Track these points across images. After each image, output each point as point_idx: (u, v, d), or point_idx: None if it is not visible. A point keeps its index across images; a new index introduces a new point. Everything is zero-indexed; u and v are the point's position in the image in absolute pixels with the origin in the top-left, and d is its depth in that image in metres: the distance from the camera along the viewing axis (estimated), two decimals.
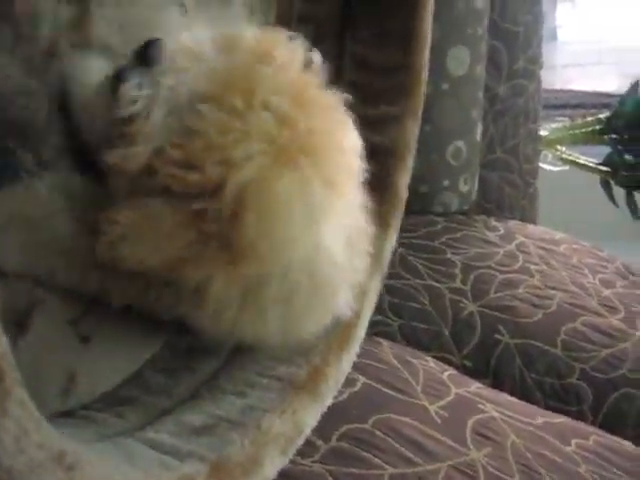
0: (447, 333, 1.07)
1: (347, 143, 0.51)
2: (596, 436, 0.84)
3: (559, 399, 1.00)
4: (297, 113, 0.45)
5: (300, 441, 0.66)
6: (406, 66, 0.90)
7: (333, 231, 0.49)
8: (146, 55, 0.44)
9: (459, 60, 1.32)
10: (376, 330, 1.03)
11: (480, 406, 0.81)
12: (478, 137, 1.41)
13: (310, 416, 0.68)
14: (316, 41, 0.96)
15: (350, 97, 0.93)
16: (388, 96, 0.90)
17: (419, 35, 0.89)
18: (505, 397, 0.89)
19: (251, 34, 0.48)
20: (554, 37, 2.62)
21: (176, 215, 0.44)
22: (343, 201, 0.49)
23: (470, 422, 0.77)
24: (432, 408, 0.77)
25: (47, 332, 0.62)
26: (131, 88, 0.43)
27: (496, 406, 0.82)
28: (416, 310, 1.09)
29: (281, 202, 0.43)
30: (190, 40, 0.47)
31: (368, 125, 0.90)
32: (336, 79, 0.96)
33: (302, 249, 0.47)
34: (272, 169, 0.43)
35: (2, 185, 0.55)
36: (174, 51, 0.45)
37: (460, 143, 1.36)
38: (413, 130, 0.89)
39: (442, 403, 0.79)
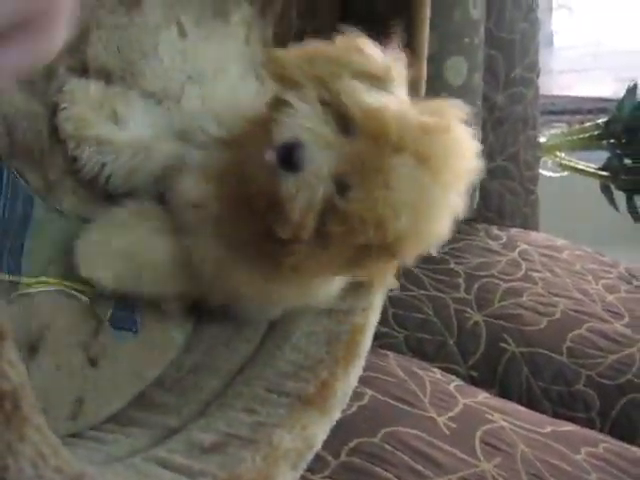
0: (452, 343, 1.07)
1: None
2: (606, 443, 0.84)
3: (567, 406, 1.00)
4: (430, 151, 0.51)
5: (310, 456, 0.66)
6: None
7: None
8: (293, 160, 0.49)
9: (457, 70, 1.33)
10: (381, 342, 1.03)
11: (488, 416, 0.81)
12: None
13: (320, 430, 0.67)
14: None
15: None
16: None
17: (416, 48, 0.89)
18: (513, 406, 0.89)
19: (356, 107, 0.51)
20: (550, 43, 2.62)
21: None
22: None
23: (479, 433, 0.77)
24: (440, 420, 0.77)
25: (58, 355, 0.62)
26: (290, 194, 0.49)
27: (504, 415, 0.82)
28: (421, 321, 1.09)
29: (433, 223, 0.53)
30: (321, 130, 0.50)
31: None
32: None
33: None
34: (420, 213, 0.51)
35: None
36: (311, 146, 0.49)
37: None
38: None
39: (450, 414, 0.79)
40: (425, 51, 0.91)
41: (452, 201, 0.54)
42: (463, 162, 0.55)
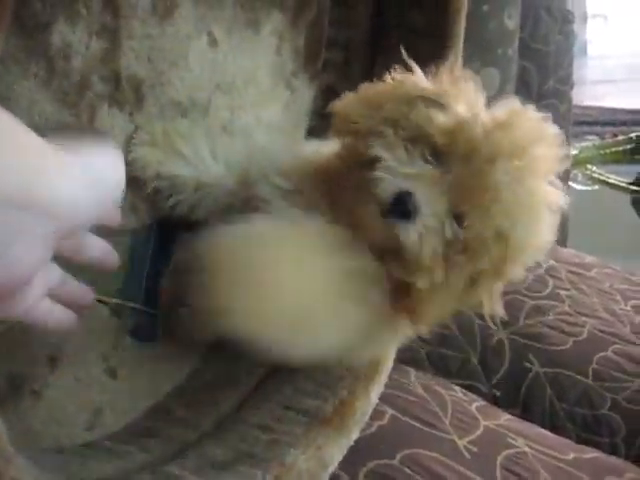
0: (476, 361, 1.05)
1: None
2: (631, 473, 0.82)
3: (591, 431, 0.97)
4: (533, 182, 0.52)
5: (325, 476, 0.65)
6: None
7: None
8: (408, 210, 0.48)
9: (489, 81, 1.31)
10: (403, 357, 1.01)
11: (510, 440, 0.79)
12: None
13: (336, 451, 0.67)
14: (346, 65, 0.97)
15: None
16: None
17: (449, 60, 0.88)
18: (536, 430, 0.87)
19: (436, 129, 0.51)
20: (584, 52, 2.59)
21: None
22: None
23: (500, 457, 0.75)
24: (461, 443, 0.76)
25: (77, 366, 0.62)
26: (415, 243, 0.49)
27: (526, 440, 0.81)
28: (444, 337, 1.08)
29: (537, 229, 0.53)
30: (422, 170, 0.50)
31: None
32: None
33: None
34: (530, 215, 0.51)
35: None
36: (420, 192, 0.49)
37: None
38: None
39: (471, 437, 0.77)
40: (459, 62, 0.90)
41: (550, 192, 0.54)
42: (547, 147, 0.54)
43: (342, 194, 0.54)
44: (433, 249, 0.50)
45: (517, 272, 0.55)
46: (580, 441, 0.92)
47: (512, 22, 1.33)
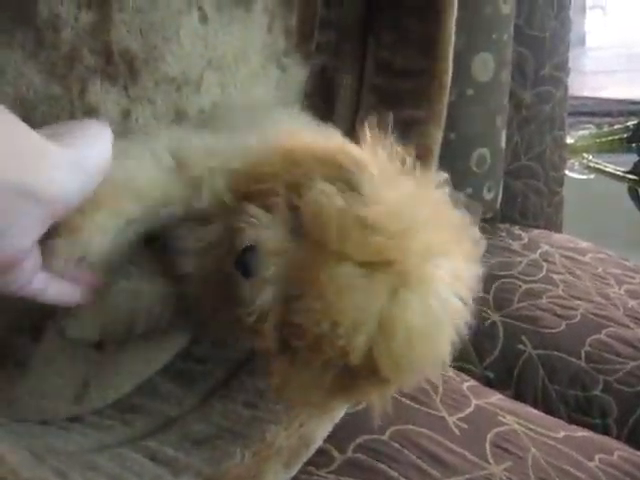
0: (469, 342, 1.05)
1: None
2: (621, 451, 0.82)
3: (583, 412, 0.98)
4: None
5: (307, 455, 0.65)
6: (428, 71, 0.89)
7: None
8: (248, 267, 0.46)
9: (484, 66, 1.30)
10: None
11: (500, 418, 0.79)
12: (503, 144, 1.40)
13: (319, 428, 0.66)
14: (338, 45, 0.97)
15: (372, 101, 0.94)
16: (410, 100, 0.89)
17: (441, 40, 0.88)
18: (527, 409, 0.87)
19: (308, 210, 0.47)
20: (583, 43, 2.59)
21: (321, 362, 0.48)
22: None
23: (490, 435, 0.75)
24: (451, 420, 0.76)
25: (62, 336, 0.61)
26: (248, 301, 0.47)
27: (517, 418, 0.81)
28: None
29: (411, 332, 0.45)
30: (276, 233, 0.47)
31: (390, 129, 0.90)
32: (359, 83, 0.97)
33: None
34: (381, 326, 0.45)
35: None
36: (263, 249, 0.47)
37: (484, 150, 1.34)
38: (436, 136, 0.88)
39: (461, 415, 0.78)
40: (451, 45, 0.90)
41: (440, 318, 0.48)
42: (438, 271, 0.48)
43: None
44: (260, 312, 0.47)
45: (405, 380, 0.51)
46: (572, 422, 0.92)
47: (507, 7, 1.32)
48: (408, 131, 0.87)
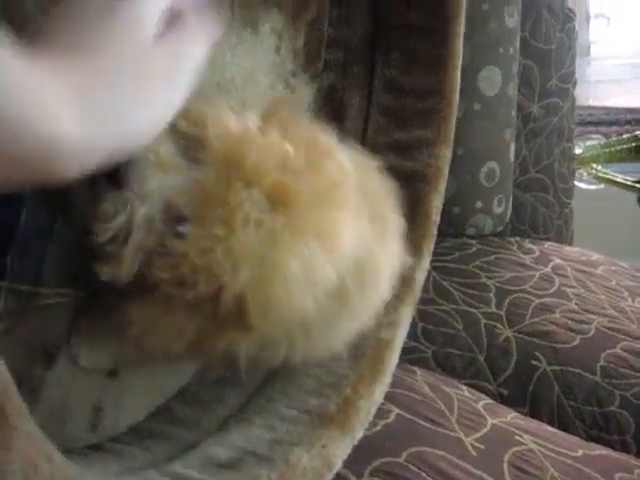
0: (482, 360, 1.04)
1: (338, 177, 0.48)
2: None
3: (600, 428, 0.97)
4: (279, 210, 0.44)
5: (330, 476, 0.64)
6: (437, 90, 0.89)
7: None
8: (118, 177, 0.42)
9: (491, 80, 1.30)
10: (409, 357, 1.01)
11: (517, 438, 0.78)
12: (512, 157, 1.39)
13: (340, 450, 0.66)
14: (346, 65, 0.97)
15: (381, 121, 0.94)
16: (419, 120, 0.89)
17: (450, 58, 0.88)
18: (543, 427, 0.86)
19: (216, 134, 0.44)
20: (587, 53, 2.58)
21: (186, 304, 0.44)
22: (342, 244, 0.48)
23: (507, 455, 0.74)
24: (468, 440, 0.75)
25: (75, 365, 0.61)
26: (107, 215, 0.42)
27: (534, 437, 0.80)
28: (450, 336, 1.07)
29: (280, 287, 0.44)
30: (157, 149, 0.43)
31: (399, 150, 0.89)
32: (367, 103, 0.97)
33: (305, 310, 0.47)
34: (263, 270, 0.43)
35: None
36: (144, 164, 0.43)
37: (493, 164, 1.34)
38: (446, 155, 0.88)
39: (478, 435, 0.77)
40: (459, 63, 0.90)
41: (316, 267, 0.45)
42: (335, 213, 0.46)
43: None
44: (127, 233, 0.43)
45: (268, 329, 0.48)
46: (589, 439, 0.91)
47: (513, 21, 1.32)
48: (418, 152, 0.87)
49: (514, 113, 1.38)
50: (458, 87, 0.90)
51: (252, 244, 0.42)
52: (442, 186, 0.91)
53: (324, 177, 0.46)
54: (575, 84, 1.55)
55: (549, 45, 1.48)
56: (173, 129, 0.44)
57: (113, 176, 0.41)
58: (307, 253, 0.44)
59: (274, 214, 0.43)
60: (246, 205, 0.42)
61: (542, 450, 0.77)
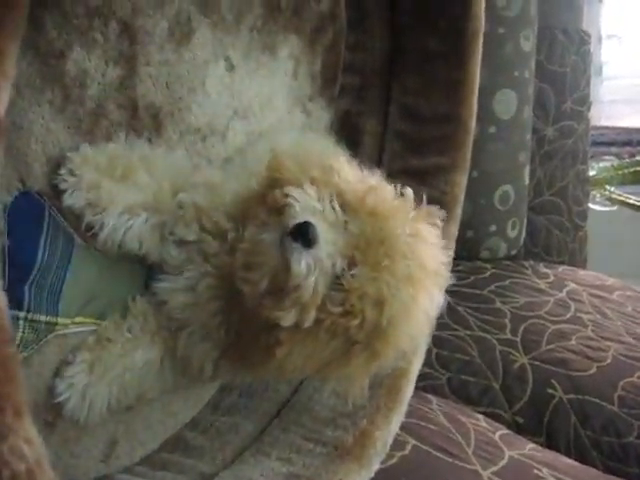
0: (497, 387, 1.03)
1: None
2: None
3: (618, 460, 0.95)
4: (424, 253, 0.53)
5: None
6: (454, 116, 0.88)
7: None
8: (308, 237, 0.50)
9: (506, 103, 1.30)
10: (423, 384, 1.00)
11: (536, 472, 0.77)
12: (526, 180, 1.39)
13: None
14: (362, 90, 0.96)
15: (396, 147, 0.93)
16: (436, 147, 0.88)
17: (467, 84, 0.87)
18: (562, 460, 0.84)
19: (370, 196, 0.53)
20: (599, 73, 2.58)
21: (329, 330, 0.52)
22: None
23: None
24: (485, 474, 0.74)
25: None
26: (304, 271, 0.50)
27: (553, 471, 0.78)
28: (465, 362, 1.06)
29: (414, 317, 0.53)
30: (329, 213, 0.52)
31: (415, 176, 0.89)
32: (382, 128, 0.96)
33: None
34: (411, 298, 0.52)
35: None
36: (322, 228, 0.51)
37: (508, 187, 1.33)
38: (462, 182, 0.87)
39: (495, 468, 0.75)
40: (476, 89, 0.89)
41: (429, 299, 0.54)
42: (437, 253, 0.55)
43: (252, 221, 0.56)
44: (316, 285, 0.51)
45: (388, 359, 0.55)
46: (607, 470, 0.89)
47: (528, 44, 1.32)
48: (434, 179, 0.86)
49: (529, 136, 1.37)
50: (475, 112, 0.89)
51: (408, 271, 0.51)
52: (458, 212, 0.90)
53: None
54: (590, 107, 1.55)
55: (564, 68, 1.47)
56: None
57: (301, 238, 0.50)
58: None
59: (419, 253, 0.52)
60: (400, 242, 0.51)
61: None
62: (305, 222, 0.50)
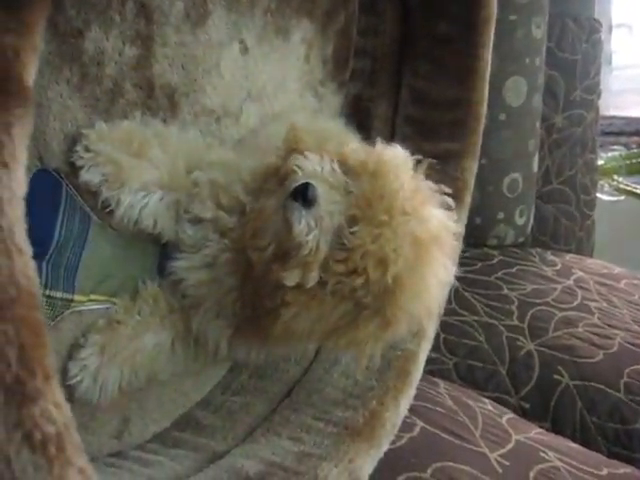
0: (504, 372, 1.03)
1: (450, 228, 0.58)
2: None
3: (623, 446, 0.95)
4: (425, 210, 0.54)
5: None
6: (465, 101, 0.88)
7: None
8: (307, 198, 0.51)
9: (516, 91, 1.30)
10: (430, 368, 1.00)
11: (542, 454, 0.78)
12: (535, 168, 1.38)
13: (367, 464, 0.65)
14: (373, 74, 0.97)
15: (407, 132, 0.93)
16: (446, 132, 0.88)
17: (478, 69, 0.87)
18: (567, 444, 0.85)
19: (371, 159, 0.54)
20: (609, 62, 2.56)
21: (337, 293, 0.53)
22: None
23: (532, 472, 0.74)
24: (492, 456, 0.75)
25: None
26: (304, 230, 0.51)
27: (559, 454, 0.79)
28: (472, 348, 1.06)
29: (423, 280, 0.53)
30: (330, 175, 0.54)
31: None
32: (393, 113, 0.96)
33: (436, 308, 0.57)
34: (416, 258, 0.52)
35: None
36: (322, 189, 0.52)
37: (516, 175, 1.33)
38: (472, 168, 0.87)
39: (503, 451, 0.76)
40: (487, 75, 0.89)
41: (442, 265, 0.55)
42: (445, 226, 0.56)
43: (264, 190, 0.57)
44: (318, 242, 0.52)
45: (401, 325, 0.55)
46: (612, 456, 0.90)
47: (539, 31, 1.32)
48: (444, 164, 0.86)
49: (538, 124, 1.37)
50: (486, 98, 0.89)
51: (409, 227, 0.51)
52: (468, 199, 0.91)
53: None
54: (599, 95, 1.54)
55: (574, 56, 1.47)
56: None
57: (302, 198, 0.51)
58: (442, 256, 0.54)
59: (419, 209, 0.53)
60: (399, 198, 0.51)
61: (567, 468, 0.76)
62: (305, 183, 0.51)
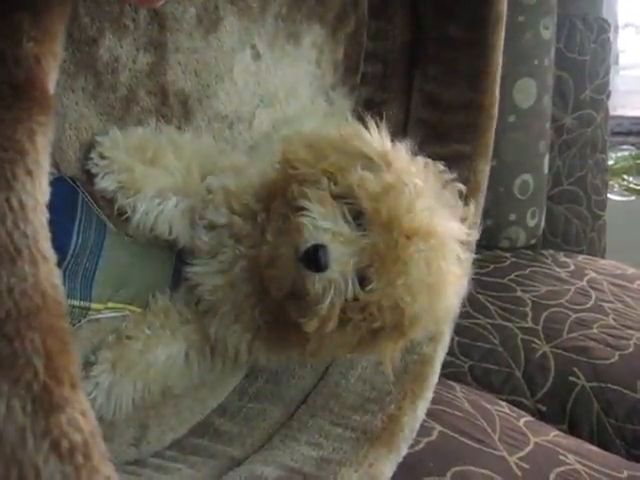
0: (519, 375, 1.03)
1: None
2: None
3: None
4: (439, 227, 0.53)
5: None
6: (476, 103, 0.88)
7: None
8: (320, 263, 0.50)
9: (526, 92, 1.29)
10: (445, 371, 1.00)
11: (562, 457, 0.77)
12: (545, 170, 1.38)
13: (387, 469, 0.65)
14: (384, 78, 0.97)
15: (419, 135, 0.93)
16: (458, 134, 0.88)
17: (489, 71, 0.87)
18: (586, 447, 0.84)
19: (365, 195, 0.52)
20: (616, 62, 2.56)
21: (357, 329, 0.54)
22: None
23: (552, 475, 0.73)
24: (512, 459, 0.74)
25: None
26: (319, 291, 0.52)
27: (578, 457, 0.78)
28: (486, 351, 1.06)
29: (438, 297, 0.54)
30: (341, 228, 0.52)
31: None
32: (405, 117, 0.96)
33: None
34: (432, 294, 0.53)
35: None
36: (333, 246, 0.51)
37: (527, 176, 1.33)
38: (484, 170, 0.87)
39: (522, 454, 0.75)
40: (498, 77, 0.89)
41: (456, 273, 0.55)
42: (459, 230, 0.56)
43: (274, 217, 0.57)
44: (332, 302, 0.52)
45: (417, 334, 0.57)
46: (630, 458, 0.89)
47: (548, 32, 1.31)
48: (456, 167, 0.85)
49: (548, 125, 1.37)
50: (497, 100, 0.89)
51: (423, 277, 0.52)
52: (481, 201, 0.90)
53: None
54: (609, 95, 1.54)
55: (583, 56, 1.46)
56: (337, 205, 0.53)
57: (313, 263, 0.51)
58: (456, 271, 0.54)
59: (429, 246, 0.52)
60: (415, 254, 0.51)
61: (587, 471, 0.76)
62: (316, 245, 0.51)
